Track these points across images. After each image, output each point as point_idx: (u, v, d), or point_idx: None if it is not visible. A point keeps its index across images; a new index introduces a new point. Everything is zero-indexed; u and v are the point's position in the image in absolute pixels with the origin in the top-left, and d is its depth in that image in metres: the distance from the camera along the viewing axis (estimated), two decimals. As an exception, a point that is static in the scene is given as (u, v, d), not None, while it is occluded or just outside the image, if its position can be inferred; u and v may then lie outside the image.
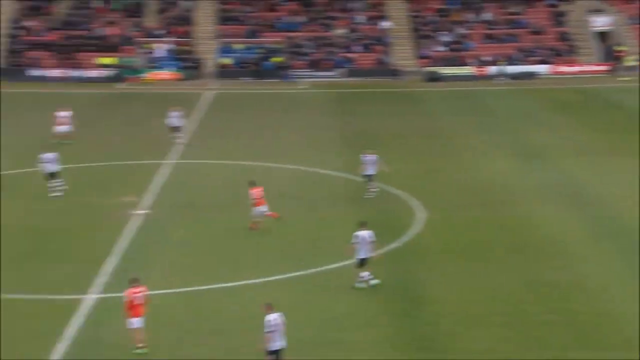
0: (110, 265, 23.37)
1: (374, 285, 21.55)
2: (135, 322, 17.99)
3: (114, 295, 20.92)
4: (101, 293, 21.40)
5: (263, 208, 26.08)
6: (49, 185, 29.93)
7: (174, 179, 33.10)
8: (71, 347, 18.41)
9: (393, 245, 25.12)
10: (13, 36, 62.17)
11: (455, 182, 32.58)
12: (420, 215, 28.19)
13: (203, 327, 19.48)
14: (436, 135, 41.84)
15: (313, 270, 23.06)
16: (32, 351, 18.13)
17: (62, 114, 38.83)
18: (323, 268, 23.01)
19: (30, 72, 59.25)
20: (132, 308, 18.06)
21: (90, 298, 21.06)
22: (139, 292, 18.23)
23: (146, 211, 28.51)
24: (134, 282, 18.47)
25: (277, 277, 22.74)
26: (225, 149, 38.33)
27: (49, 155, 29.97)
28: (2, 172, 33.15)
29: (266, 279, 22.60)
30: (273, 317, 16.64)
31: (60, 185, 29.91)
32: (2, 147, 37.26)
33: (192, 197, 30.42)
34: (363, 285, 21.61)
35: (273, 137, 41.66)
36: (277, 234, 26.36)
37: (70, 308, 20.38)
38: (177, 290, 21.86)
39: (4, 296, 21.09)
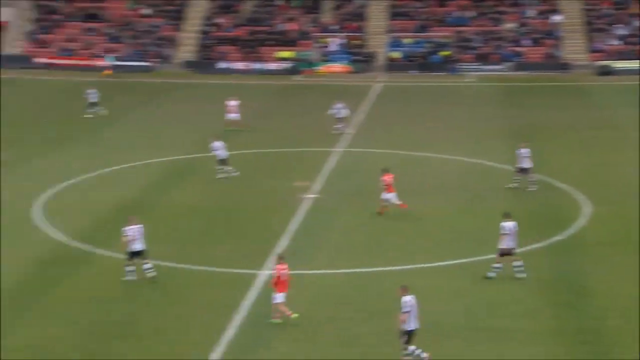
0: (281, 244, 23.91)
1: (491, 278, 20.82)
2: (279, 296, 18.41)
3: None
4: (273, 270, 21.88)
5: (390, 195, 25.98)
6: (219, 169, 30.96)
7: (341, 167, 33.41)
8: (246, 318, 19.02)
9: (557, 238, 24.02)
10: (205, 32, 65.33)
11: (625, 176, 30.61)
12: (587, 209, 26.70)
13: (369, 307, 19.48)
14: (607, 128, 39.54)
15: (475, 258, 22.46)
16: (212, 319, 18.90)
17: (232, 102, 40.27)
18: (486, 257, 22.31)
19: (219, 64, 62.04)
20: (278, 283, 18.43)
21: (264, 274, 21.62)
22: (284, 269, 18.51)
23: (315, 196, 28.95)
24: (281, 259, 18.83)
25: (439, 264, 22.41)
26: (391, 139, 38.20)
27: (217, 143, 31.16)
28: (188, 156, 34.89)
29: (429, 265, 22.32)
30: (409, 299, 16.53)
31: (231, 170, 30.95)
32: (189, 132, 39.25)
33: (359, 184, 30.53)
34: (501, 273, 21.01)
35: (439, 128, 41.04)
36: (442, 222, 25.99)
37: (246, 282, 21.05)
38: (344, 271, 22.04)
39: (189, 267, 22.15)
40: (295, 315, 18.44)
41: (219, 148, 31.09)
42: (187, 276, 21.75)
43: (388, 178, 26.26)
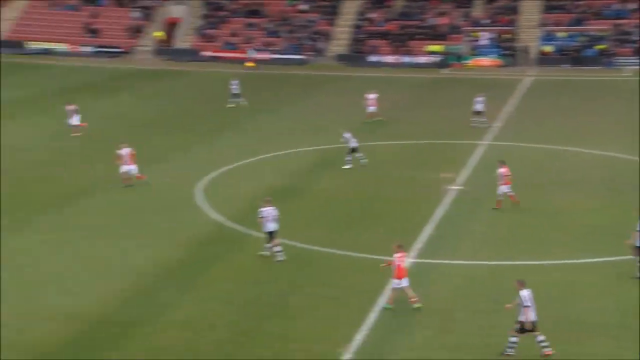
0: (425, 233, 23.86)
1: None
2: (401, 282, 18.65)
3: (426, 261, 21.42)
4: (416, 258, 21.93)
5: (506, 188, 25.37)
6: (348, 158, 31.15)
7: (487, 159, 32.72)
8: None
9: None
10: (357, 27, 65.97)
11: None
12: None
13: (507, 300, 18.97)
14: None
15: (619, 257, 21.35)
16: (356, 302, 19.23)
17: (371, 95, 40.45)
18: (629, 256, 21.17)
19: (370, 58, 62.45)
20: (398, 270, 18.60)
21: (407, 262, 21.63)
22: (402, 256, 18.67)
23: (460, 187, 28.61)
24: (399, 247, 18.94)
25: (582, 261, 21.57)
26: (541, 133, 37.00)
27: (347, 135, 31.45)
28: (336, 146, 35.41)
29: (572, 261, 21.54)
30: (527, 293, 16.35)
31: (362, 158, 31.21)
32: (339, 124, 39.80)
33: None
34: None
35: (589, 123, 39.33)
36: (584, 217, 25.07)
37: (390, 268, 21.12)
38: (486, 262, 21.69)
39: (335, 252, 22.61)
40: (389, 306, 18.48)
41: (349, 138, 31.44)
42: (333, 260, 22.20)
43: (504, 171, 25.56)
